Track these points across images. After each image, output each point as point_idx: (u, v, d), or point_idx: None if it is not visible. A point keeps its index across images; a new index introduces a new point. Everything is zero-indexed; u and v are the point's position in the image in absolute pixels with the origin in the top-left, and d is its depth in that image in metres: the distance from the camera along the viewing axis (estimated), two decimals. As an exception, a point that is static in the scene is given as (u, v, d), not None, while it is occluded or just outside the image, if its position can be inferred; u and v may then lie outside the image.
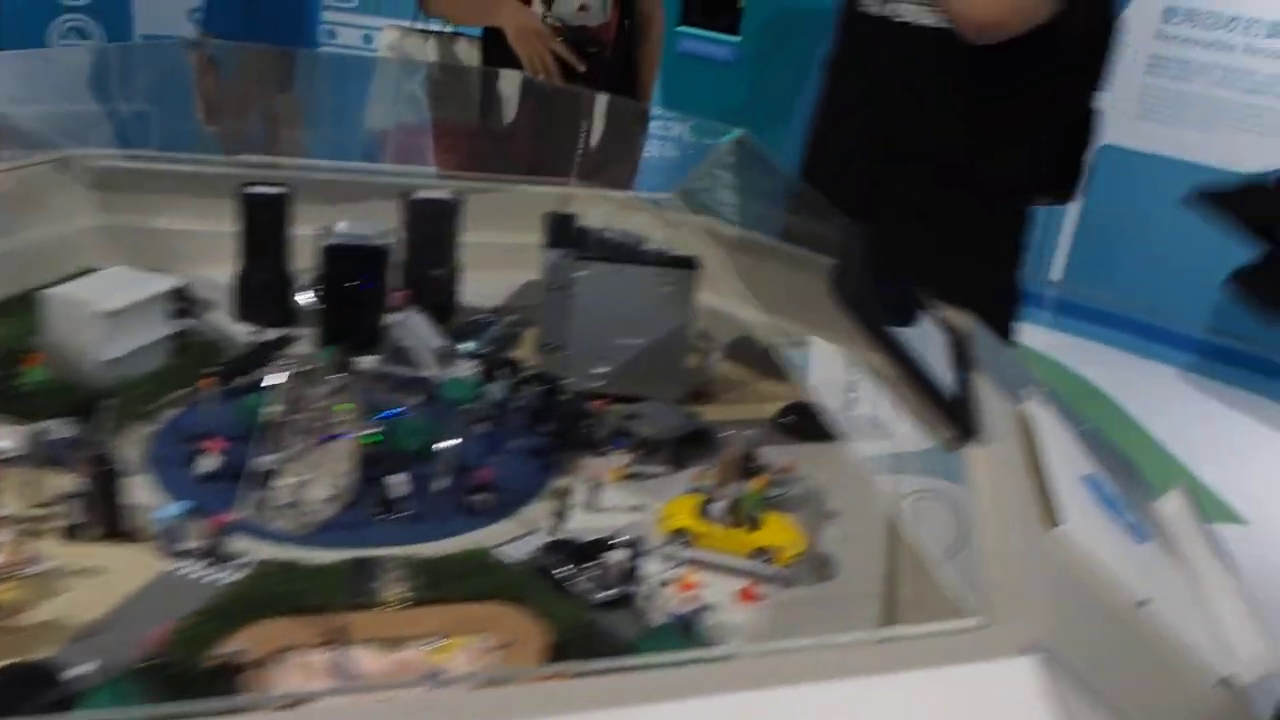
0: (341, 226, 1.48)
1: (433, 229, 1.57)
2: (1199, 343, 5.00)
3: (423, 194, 1.57)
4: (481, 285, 1.67)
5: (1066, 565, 0.94)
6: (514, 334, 1.58)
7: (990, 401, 1.19)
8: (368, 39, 4.91)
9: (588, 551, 1.04)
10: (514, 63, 2.25)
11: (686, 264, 1.42)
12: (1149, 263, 5.32)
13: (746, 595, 1.06)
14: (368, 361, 1.39)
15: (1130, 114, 5.32)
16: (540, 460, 1.27)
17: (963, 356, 1.22)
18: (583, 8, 2.30)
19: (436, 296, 1.58)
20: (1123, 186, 5.39)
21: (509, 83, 2.18)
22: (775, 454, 1.29)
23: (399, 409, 1.25)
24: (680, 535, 1.11)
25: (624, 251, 1.43)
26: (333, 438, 1.13)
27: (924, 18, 1.61)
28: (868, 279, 1.07)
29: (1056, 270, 5.66)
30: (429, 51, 2.44)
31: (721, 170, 1.66)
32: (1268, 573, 3.07)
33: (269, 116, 2.62)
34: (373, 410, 1.26)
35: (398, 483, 1.11)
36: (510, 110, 2.20)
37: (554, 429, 1.31)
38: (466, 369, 1.39)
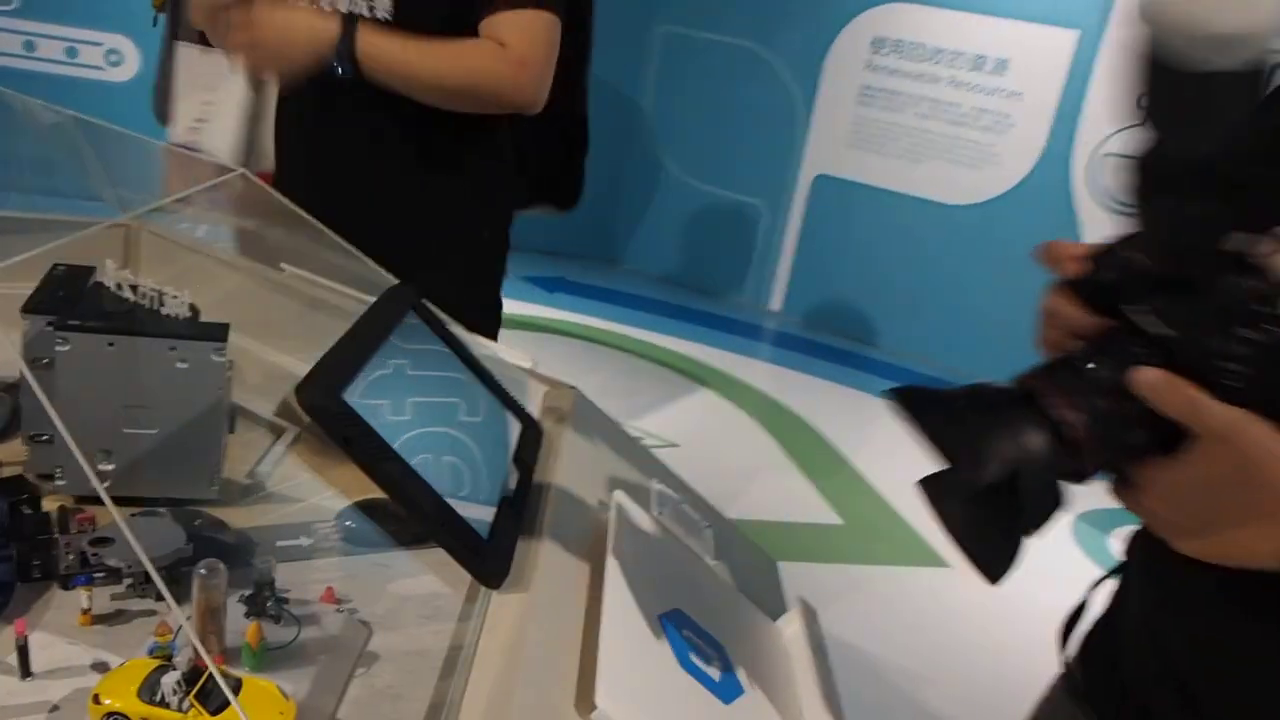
0: None
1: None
2: (912, 374, 5.09)
3: (-120, 237, 1.20)
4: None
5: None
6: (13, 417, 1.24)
7: (559, 513, 0.97)
8: (29, 45, 4.33)
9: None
10: None
11: (213, 332, 1.13)
12: (864, 294, 5.43)
13: (198, 803, 0.79)
14: None
15: (842, 143, 5.41)
16: (-17, 602, 0.95)
17: (522, 450, 1.00)
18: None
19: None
20: (836, 216, 5.48)
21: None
22: (323, 573, 1.04)
23: None
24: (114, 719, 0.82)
25: (125, 317, 1.12)
26: None
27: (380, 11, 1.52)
28: (335, 382, 0.81)
29: (775, 300, 5.71)
30: None
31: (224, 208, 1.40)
32: (968, 614, 3.06)
33: None
34: None
35: None
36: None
37: (14, 554, 0.99)
38: (-99, 475, 1.05)
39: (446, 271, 1.58)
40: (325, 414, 0.78)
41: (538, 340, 4.66)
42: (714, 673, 0.90)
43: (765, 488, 3.58)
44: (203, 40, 1.93)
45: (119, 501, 1.10)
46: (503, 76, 1.54)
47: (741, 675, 0.94)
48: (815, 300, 5.61)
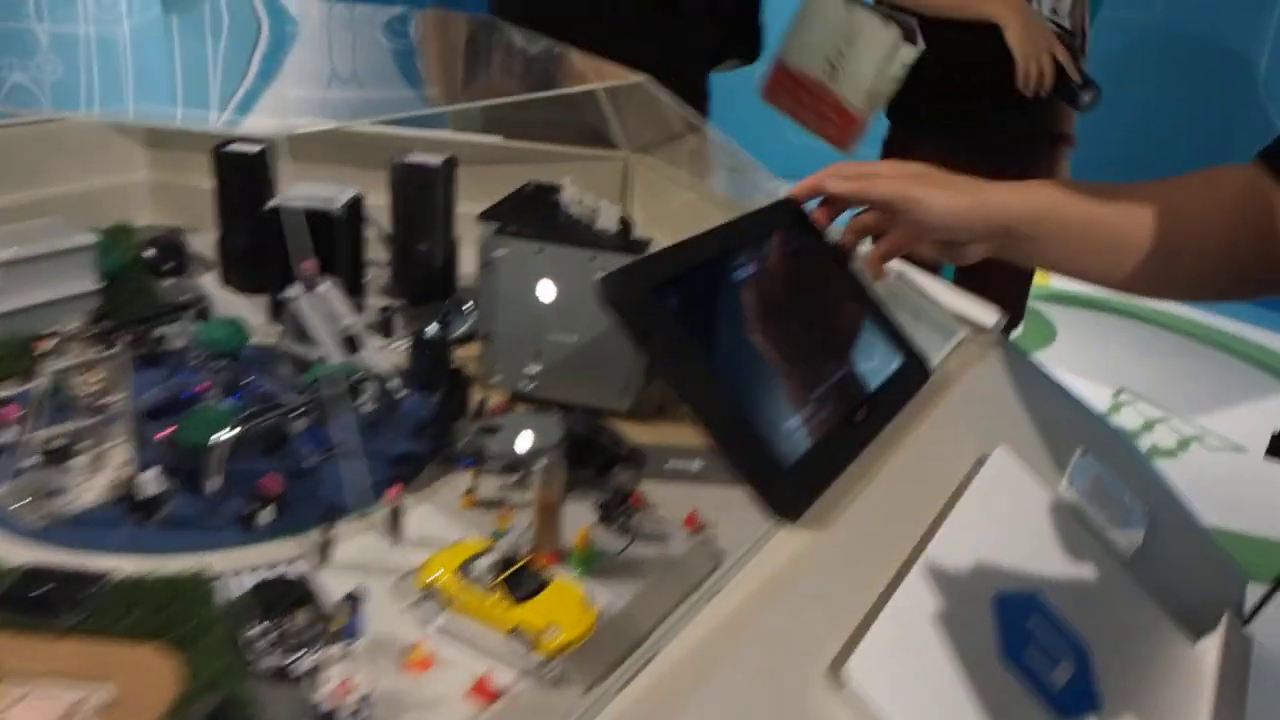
0: (300, 188, 1.33)
1: (418, 198, 1.37)
2: None
3: (408, 158, 1.37)
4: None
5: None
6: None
7: (914, 462, 0.80)
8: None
9: (283, 601, 0.80)
10: None
11: (633, 247, 1.11)
12: None
13: (480, 690, 0.77)
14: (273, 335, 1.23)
15: None
16: (390, 471, 1.04)
17: (889, 387, 0.84)
18: (1055, 9, 2.01)
19: (421, 273, 1.39)
20: None
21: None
22: (702, 499, 0.98)
23: (234, 394, 1.08)
24: (432, 594, 0.83)
25: (559, 228, 1.15)
26: (106, 419, 0.97)
27: None
28: (647, 278, 0.74)
29: None
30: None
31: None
32: None
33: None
34: (228, 392, 1.11)
35: (146, 480, 0.93)
36: None
37: (430, 434, 1.07)
38: (377, 355, 1.18)
39: None
40: (621, 305, 0.71)
41: (1091, 319, 4.14)
42: (1057, 677, 0.68)
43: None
44: None
45: (542, 404, 1.16)
46: None
47: (1104, 690, 0.70)
48: None
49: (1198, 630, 0.78)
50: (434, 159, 1.37)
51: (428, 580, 0.83)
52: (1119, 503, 0.95)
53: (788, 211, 0.89)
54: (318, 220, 1.28)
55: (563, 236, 1.12)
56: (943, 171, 0.88)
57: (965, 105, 2.06)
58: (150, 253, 1.45)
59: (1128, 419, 3.34)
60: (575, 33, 1.97)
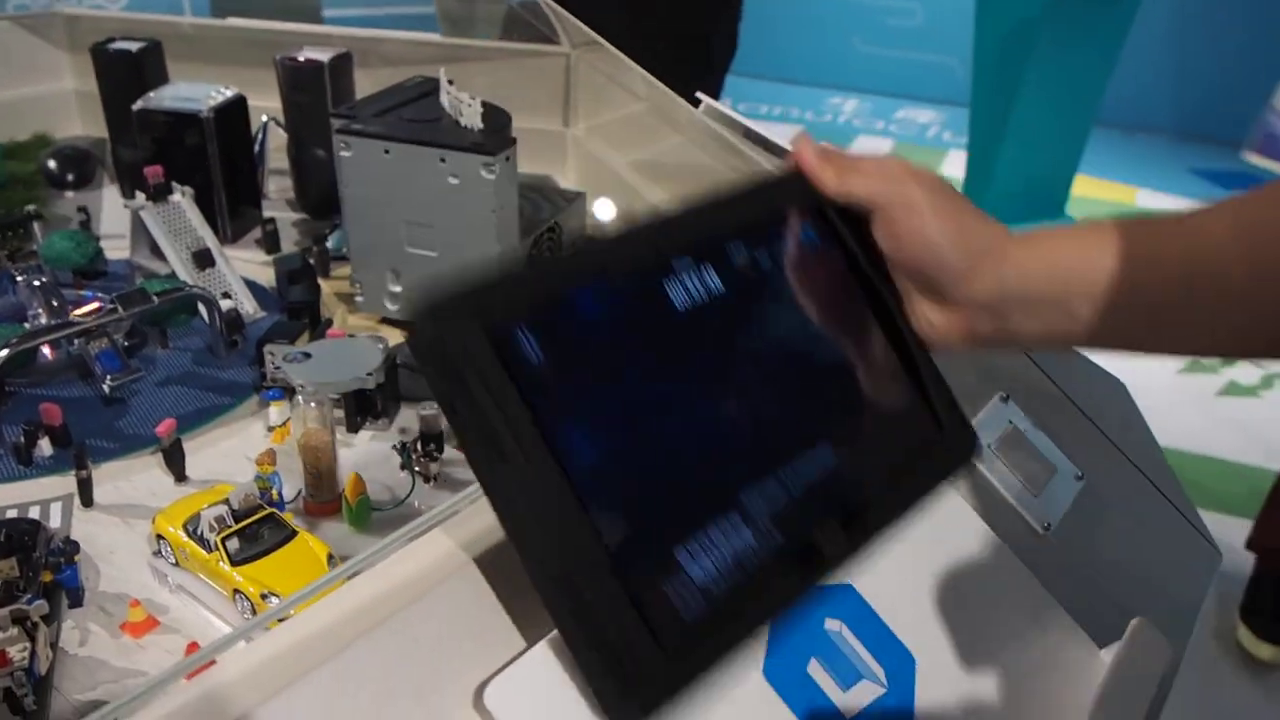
0: (173, 88, 1.21)
1: (308, 99, 1.24)
2: None
3: (295, 54, 1.24)
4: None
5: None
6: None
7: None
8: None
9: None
10: None
11: (490, 145, 0.96)
12: None
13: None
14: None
15: None
16: (216, 400, 0.93)
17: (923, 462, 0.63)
18: None
19: (318, 182, 1.26)
20: None
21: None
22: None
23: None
24: (163, 545, 0.72)
25: (412, 126, 1.00)
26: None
27: None
28: (483, 306, 0.42)
29: None
30: None
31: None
32: None
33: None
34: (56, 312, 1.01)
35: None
36: None
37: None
38: (230, 273, 1.07)
39: None
40: (426, 352, 0.42)
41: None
42: (855, 698, 0.53)
43: None
44: None
45: (407, 327, 1.03)
46: None
47: (932, 710, 0.55)
48: None
49: (1118, 632, 0.61)
50: (323, 54, 1.24)
51: (158, 533, 0.72)
52: (1041, 463, 0.78)
53: (797, 191, 0.53)
54: (184, 123, 1.16)
55: (410, 134, 0.98)
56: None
57: None
58: (50, 164, 1.36)
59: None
60: None
